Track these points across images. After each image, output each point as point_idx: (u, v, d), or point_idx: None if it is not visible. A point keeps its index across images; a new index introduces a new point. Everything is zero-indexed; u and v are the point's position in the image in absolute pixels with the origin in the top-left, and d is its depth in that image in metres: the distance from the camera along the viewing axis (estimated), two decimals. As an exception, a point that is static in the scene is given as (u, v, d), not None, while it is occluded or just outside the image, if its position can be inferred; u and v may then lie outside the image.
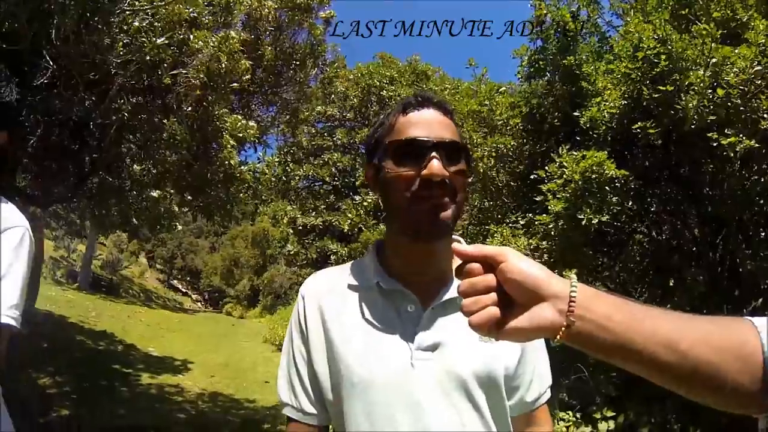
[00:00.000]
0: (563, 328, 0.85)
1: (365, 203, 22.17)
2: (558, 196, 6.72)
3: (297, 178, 23.51)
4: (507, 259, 0.90)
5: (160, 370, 13.10)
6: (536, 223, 7.20)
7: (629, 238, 7.98)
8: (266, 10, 6.32)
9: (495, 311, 0.88)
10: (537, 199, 7.29)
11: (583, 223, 6.32)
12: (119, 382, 11.03)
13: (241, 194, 6.96)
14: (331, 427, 1.54)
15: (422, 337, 1.39)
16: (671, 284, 6.72)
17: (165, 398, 10.60)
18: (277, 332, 18.94)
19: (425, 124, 1.39)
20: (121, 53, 4.04)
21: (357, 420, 1.38)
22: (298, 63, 7.42)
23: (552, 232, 6.97)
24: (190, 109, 4.99)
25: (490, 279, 0.90)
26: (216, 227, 43.79)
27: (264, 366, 15.26)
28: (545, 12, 8.58)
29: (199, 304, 45.19)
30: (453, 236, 1.47)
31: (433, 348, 1.39)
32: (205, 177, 5.71)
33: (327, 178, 24.09)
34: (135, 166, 7.69)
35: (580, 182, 6.42)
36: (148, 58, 4.16)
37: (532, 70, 8.93)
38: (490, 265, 0.92)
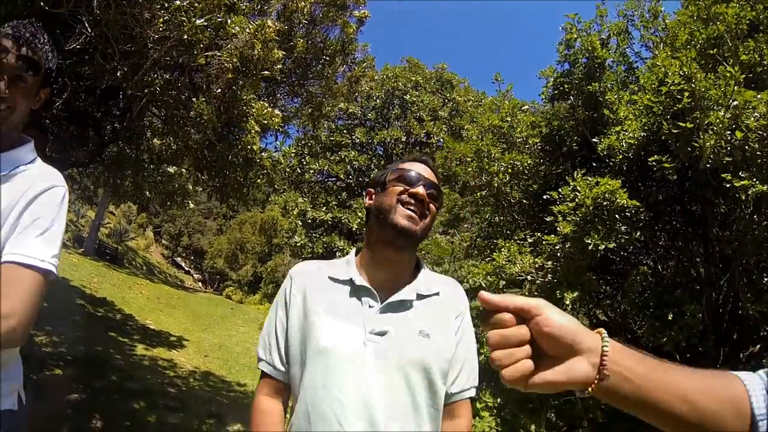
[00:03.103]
0: (596, 382, 0.91)
1: (378, 204, 22.28)
2: (568, 218, 6.78)
3: (312, 171, 23.54)
4: (543, 312, 0.92)
5: (156, 344, 13.23)
6: (544, 242, 7.25)
7: (634, 269, 8.02)
8: (302, 2, 6.39)
9: (530, 365, 0.91)
10: (547, 219, 7.34)
11: (590, 247, 6.38)
12: (114, 350, 11.14)
13: (258, 180, 7.05)
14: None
15: (374, 324, 1.86)
16: (670, 318, 6.75)
17: (157, 371, 10.71)
18: (275, 320, 19.04)
19: (418, 168, 2.08)
20: (161, 29, 4.15)
21: (314, 378, 1.82)
22: (327, 58, 7.52)
23: (558, 253, 7.04)
24: (219, 90, 5.10)
25: (524, 332, 0.92)
26: (225, 210, 43.96)
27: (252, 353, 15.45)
28: (576, 36, 8.64)
29: (200, 283, 45.35)
30: (417, 256, 2.12)
31: (382, 334, 1.85)
32: (226, 158, 5.83)
33: (341, 175, 24.16)
34: (155, 140, 7.77)
35: (591, 207, 6.49)
36: (185, 36, 4.27)
37: (556, 92, 8.97)
38: (520, 316, 0.93)
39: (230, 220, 45.23)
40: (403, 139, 24.65)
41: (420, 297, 1.94)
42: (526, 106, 10.09)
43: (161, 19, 4.07)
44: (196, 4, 4.23)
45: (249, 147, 5.77)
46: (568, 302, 6.88)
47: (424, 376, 1.82)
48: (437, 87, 26.22)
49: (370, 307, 1.89)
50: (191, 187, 9.66)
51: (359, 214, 22.47)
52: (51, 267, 1.63)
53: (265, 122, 5.89)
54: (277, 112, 6.21)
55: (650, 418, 0.94)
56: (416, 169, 2.05)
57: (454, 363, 1.91)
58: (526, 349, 0.91)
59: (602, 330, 0.96)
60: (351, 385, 1.77)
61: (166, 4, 4.11)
